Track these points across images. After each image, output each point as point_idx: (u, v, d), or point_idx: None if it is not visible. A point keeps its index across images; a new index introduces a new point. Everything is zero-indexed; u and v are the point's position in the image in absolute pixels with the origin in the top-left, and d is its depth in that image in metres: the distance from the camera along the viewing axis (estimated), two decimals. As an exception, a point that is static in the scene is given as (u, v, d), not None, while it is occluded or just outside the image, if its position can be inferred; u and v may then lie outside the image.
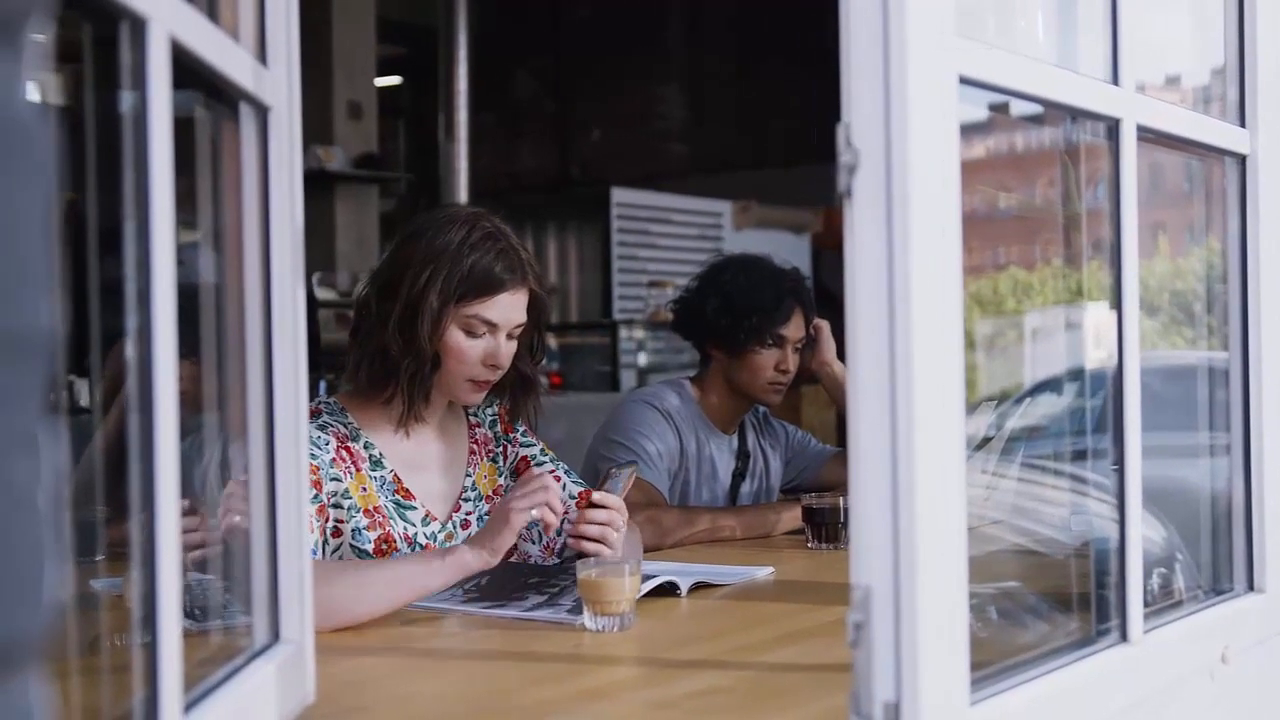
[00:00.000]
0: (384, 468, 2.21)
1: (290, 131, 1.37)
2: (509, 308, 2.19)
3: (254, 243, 1.35)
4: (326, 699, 1.44)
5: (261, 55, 1.34)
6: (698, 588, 2.14)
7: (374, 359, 2.18)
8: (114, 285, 1.01)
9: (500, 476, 2.36)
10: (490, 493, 2.34)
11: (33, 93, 0.54)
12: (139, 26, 0.98)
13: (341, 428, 2.19)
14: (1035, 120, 1.69)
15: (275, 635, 1.36)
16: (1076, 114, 1.53)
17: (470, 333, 2.17)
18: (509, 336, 2.21)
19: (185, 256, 1.09)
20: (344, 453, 2.16)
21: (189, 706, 1.08)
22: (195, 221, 1.30)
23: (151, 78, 0.99)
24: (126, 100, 1.00)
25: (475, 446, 2.36)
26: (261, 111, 1.33)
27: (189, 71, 1.10)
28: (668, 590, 2.08)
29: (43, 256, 0.53)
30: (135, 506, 1.00)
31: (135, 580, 1.02)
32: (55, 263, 0.55)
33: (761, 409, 3.16)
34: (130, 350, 0.99)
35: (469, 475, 2.32)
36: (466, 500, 2.31)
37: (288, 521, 1.37)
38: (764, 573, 2.32)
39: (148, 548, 1.00)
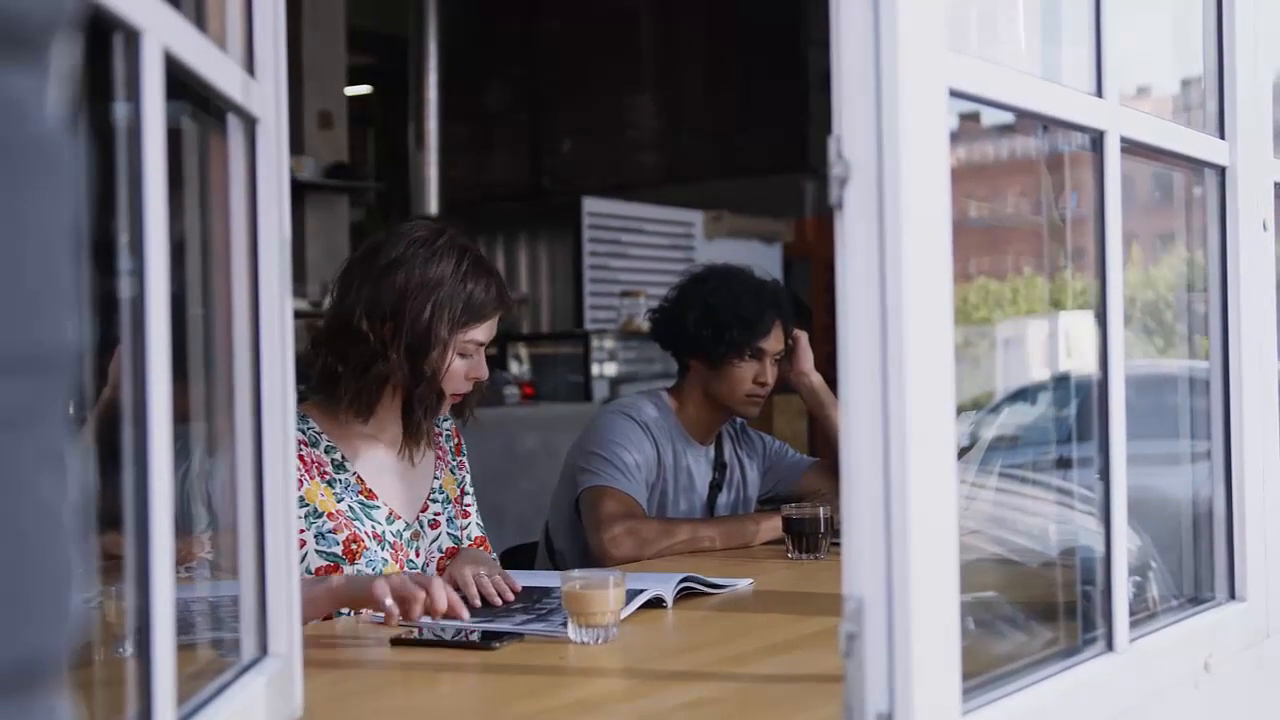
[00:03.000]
0: (347, 470, 2.26)
1: (278, 143, 1.36)
2: (494, 326, 2.31)
3: (241, 254, 1.34)
4: (314, 713, 1.43)
5: (249, 67, 1.33)
6: (683, 595, 2.14)
7: (374, 387, 2.23)
8: (105, 297, 1.00)
9: (457, 487, 2.45)
10: (453, 499, 2.42)
11: (58, 107, 0.54)
12: (133, 38, 0.97)
13: (299, 434, 2.20)
14: (1004, 130, 1.70)
15: (263, 649, 1.35)
16: (1062, 126, 1.54)
17: (463, 355, 2.27)
18: (486, 350, 2.33)
19: (171, 268, 1.08)
20: (298, 461, 2.18)
21: (181, 722, 1.07)
22: (182, 232, 1.29)
23: (145, 89, 0.98)
24: (119, 111, 0.99)
25: (440, 452, 2.43)
26: (250, 123, 1.33)
27: (178, 82, 1.09)
28: (653, 602, 2.07)
29: (69, 273, 0.53)
30: (129, 520, 0.99)
31: (124, 594, 1.01)
32: (81, 279, 0.55)
33: (739, 419, 3.16)
34: (124, 362, 0.99)
35: (436, 478, 2.40)
36: (435, 501, 2.38)
37: (275, 536, 1.36)
38: (744, 584, 2.32)
39: (141, 562, 0.99)
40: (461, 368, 2.26)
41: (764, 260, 7.33)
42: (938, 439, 1.18)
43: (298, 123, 7.34)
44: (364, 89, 10.54)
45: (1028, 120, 1.57)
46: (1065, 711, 1.41)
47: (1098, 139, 1.51)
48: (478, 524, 2.48)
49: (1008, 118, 1.55)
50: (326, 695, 1.54)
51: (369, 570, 2.19)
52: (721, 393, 2.98)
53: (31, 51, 0.52)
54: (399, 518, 2.29)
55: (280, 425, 1.37)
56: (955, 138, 1.44)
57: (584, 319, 7.84)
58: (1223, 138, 1.80)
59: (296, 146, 7.34)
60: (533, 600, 2.11)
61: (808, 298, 7.51)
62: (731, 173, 9.23)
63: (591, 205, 7.98)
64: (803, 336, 3.09)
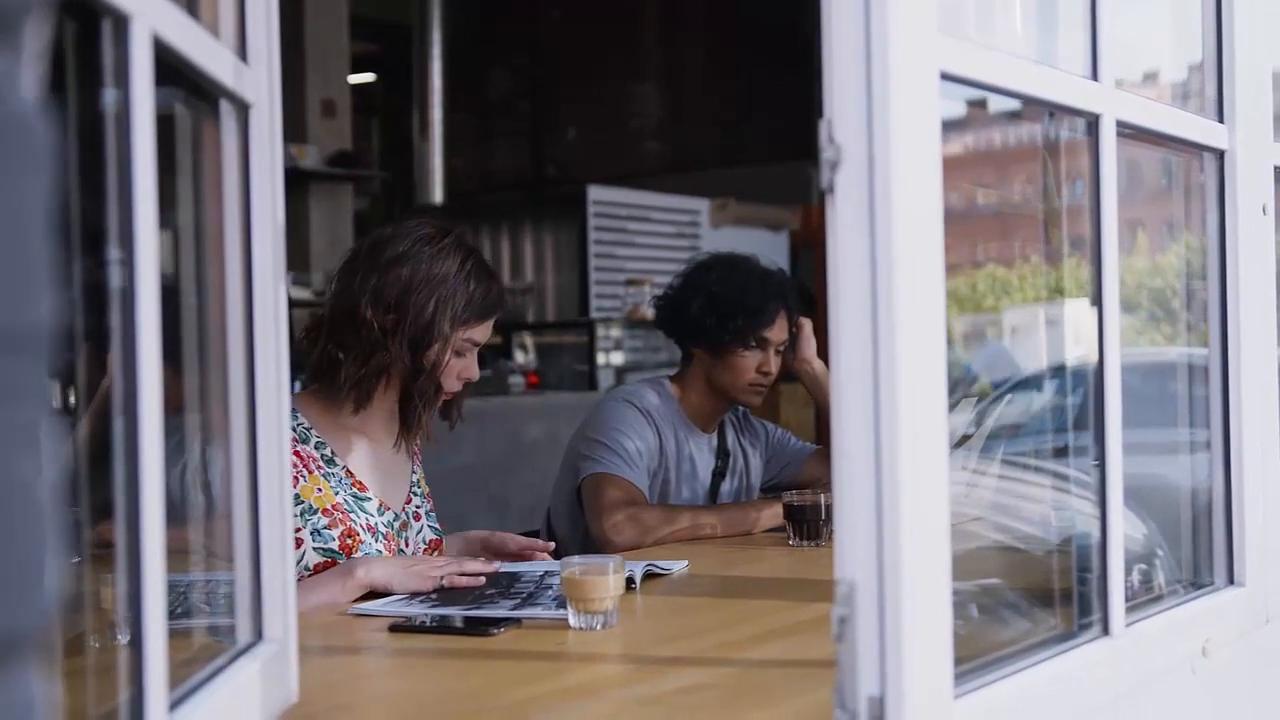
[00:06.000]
0: (337, 465, 2.28)
1: (271, 129, 1.36)
2: (490, 329, 2.34)
3: (235, 242, 1.34)
4: (309, 698, 1.43)
5: (242, 52, 1.33)
6: (647, 578, 2.19)
7: (374, 377, 2.26)
8: (95, 285, 1.00)
9: (426, 484, 2.49)
10: (426, 493, 2.47)
11: (31, 88, 0.54)
12: (121, 23, 0.97)
13: (289, 431, 2.21)
14: (1012, 117, 1.70)
15: (258, 634, 1.35)
16: (1056, 109, 1.54)
17: (459, 353, 2.29)
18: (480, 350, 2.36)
19: (165, 257, 1.08)
20: (294, 457, 2.19)
21: (174, 705, 1.08)
22: (174, 220, 1.29)
23: (134, 75, 0.98)
24: (108, 97, 0.99)
25: (417, 448, 2.46)
26: (243, 109, 1.33)
27: (169, 68, 1.09)
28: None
29: (44, 252, 0.53)
30: (120, 508, 0.99)
31: (116, 581, 1.02)
32: (54, 258, 0.55)
33: (741, 407, 3.16)
34: (114, 351, 0.99)
35: (414, 472, 2.44)
36: (415, 494, 2.42)
37: (270, 521, 1.36)
38: (679, 566, 2.34)
39: (132, 549, 0.99)
40: (455, 366, 2.29)
41: (770, 249, 7.32)
42: (929, 422, 1.18)
43: (301, 111, 7.33)
44: (368, 77, 10.53)
45: (1032, 107, 1.57)
46: (1059, 696, 1.41)
47: (1093, 123, 1.50)
48: (431, 526, 2.51)
49: (1014, 104, 1.55)
50: (322, 681, 1.54)
51: None
52: (724, 381, 2.98)
53: (3, 33, 0.52)
54: (389, 509, 2.32)
55: (275, 411, 1.37)
56: (962, 124, 1.44)
57: (589, 307, 7.84)
58: (1222, 121, 1.79)
59: (300, 135, 7.34)
60: (506, 586, 2.11)
61: (815, 286, 7.50)
62: (736, 161, 9.22)
63: (597, 194, 7.98)
64: (806, 324, 3.08)
